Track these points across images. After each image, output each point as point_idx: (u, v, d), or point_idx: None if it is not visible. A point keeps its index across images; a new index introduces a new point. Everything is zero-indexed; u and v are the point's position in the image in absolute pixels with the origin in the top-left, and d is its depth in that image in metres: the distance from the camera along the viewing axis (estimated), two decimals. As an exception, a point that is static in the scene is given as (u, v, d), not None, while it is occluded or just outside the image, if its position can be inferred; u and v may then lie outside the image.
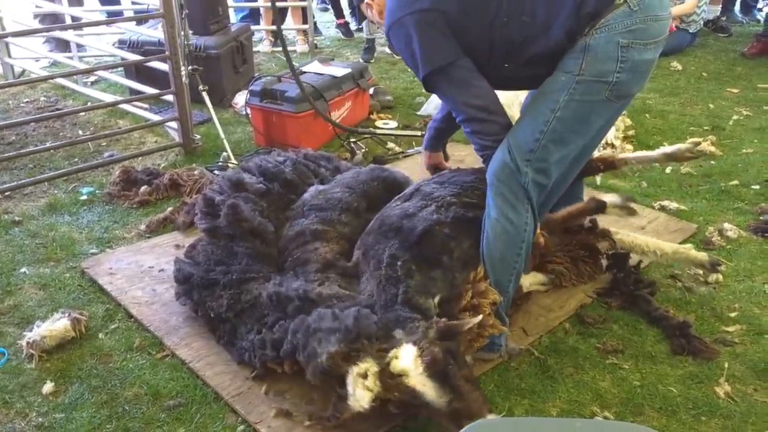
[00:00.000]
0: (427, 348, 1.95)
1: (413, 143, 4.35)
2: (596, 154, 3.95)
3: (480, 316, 2.08)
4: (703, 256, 2.70)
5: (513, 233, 2.20)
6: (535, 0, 2.08)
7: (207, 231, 2.62)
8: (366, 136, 4.40)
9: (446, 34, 2.12)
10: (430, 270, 2.21)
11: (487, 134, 2.21)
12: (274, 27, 6.72)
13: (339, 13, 7.26)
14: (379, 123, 4.70)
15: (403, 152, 4.22)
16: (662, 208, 3.40)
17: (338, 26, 7.20)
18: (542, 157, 2.14)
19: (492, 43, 2.15)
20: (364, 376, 1.95)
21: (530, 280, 2.63)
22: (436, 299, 2.19)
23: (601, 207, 2.62)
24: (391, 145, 4.32)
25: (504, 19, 2.10)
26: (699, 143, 2.63)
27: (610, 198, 2.71)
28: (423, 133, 3.23)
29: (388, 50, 6.41)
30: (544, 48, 2.13)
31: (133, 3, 6.18)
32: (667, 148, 2.70)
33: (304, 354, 2.11)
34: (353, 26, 7.23)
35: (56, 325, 2.49)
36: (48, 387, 2.29)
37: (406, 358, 1.94)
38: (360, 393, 1.94)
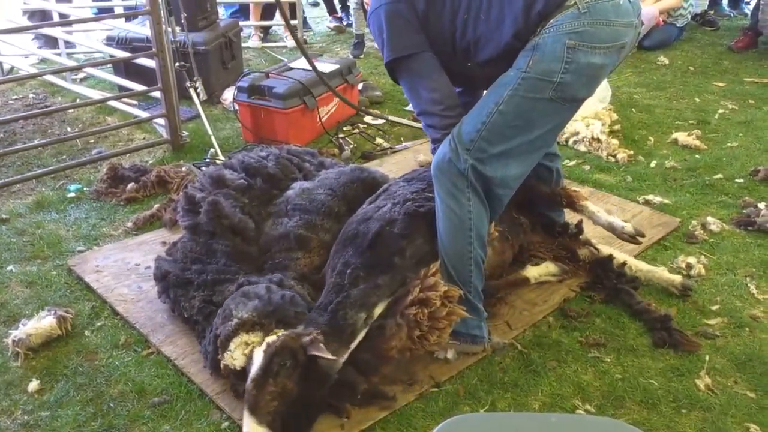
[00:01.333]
0: (284, 335, 2.06)
1: (402, 138, 4.37)
2: (588, 144, 4.01)
3: (341, 358, 2.13)
4: (676, 278, 2.72)
5: (458, 223, 2.23)
6: (491, 1, 2.13)
7: (188, 228, 2.64)
8: (372, 122, 4.41)
9: (415, 26, 2.20)
10: (378, 276, 2.25)
11: (440, 128, 2.25)
12: (263, 23, 6.77)
13: (332, 9, 7.28)
14: (368, 119, 4.71)
15: (391, 147, 4.23)
16: (647, 202, 3.42)
17: (333, 18, 7.25)
18: (481, 147, 2.16)
19: (454, 39, 2.21)
20: (247, 344, 2.10)
21: (540, 271, 2.68)
22: (377, 309, 2.23)
23: None
24: (379, 140, 4.34)
25: (464, 16, 2.15)
26: (642, 237, 2.70)
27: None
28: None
29: (377, 45, 6.40)
30: (497, 49, 2.17)
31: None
32: (615, 220, 2.72)
33: (222, 317, 2.18)
34: (345, 21, 7.24)
35: (42, 323, 2.50)
36: (33, 385, 2.30)
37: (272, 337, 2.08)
38: (238, 354, 2.11)
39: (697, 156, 3.96)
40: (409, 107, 4.86)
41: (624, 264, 2.75)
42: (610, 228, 2.71)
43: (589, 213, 2.75)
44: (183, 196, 2.77)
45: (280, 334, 2.09)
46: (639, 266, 2.77)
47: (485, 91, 2.28)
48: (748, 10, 7.17)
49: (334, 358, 2.07)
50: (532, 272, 2.68)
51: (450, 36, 2.21)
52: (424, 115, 2.31)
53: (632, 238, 2.67)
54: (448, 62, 2.24)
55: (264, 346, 2.05)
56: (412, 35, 2.21)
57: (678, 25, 6.21)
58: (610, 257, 2.76)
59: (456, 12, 2.17)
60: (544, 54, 2.08)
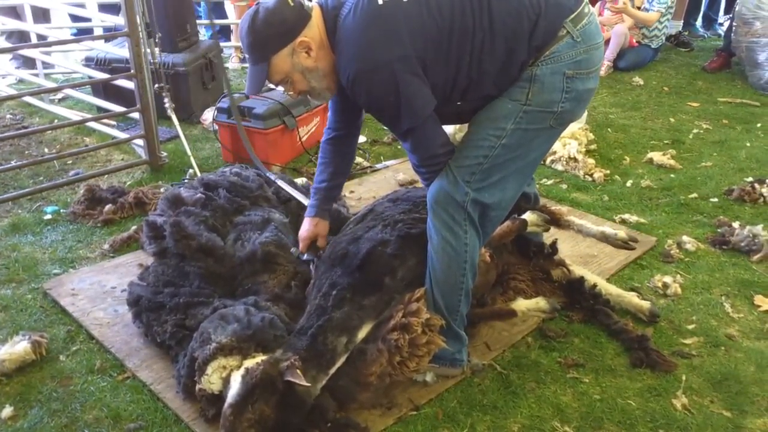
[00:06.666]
0: (264, 362, 2.05)
1: (381, 158, 4.39)
2: (565, 163, 4.04)
3: (319, 384, 2.14)
4: (645, 304, 2.72)
5: (454, 255, 2.21)
6: (495, 38, 2.05)
7: (156, 255, 2.64)
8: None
9: (424, 79, 2.06)
10: (365, 297, 2.25)
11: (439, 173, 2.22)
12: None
13: None
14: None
15: (371, 167, 4.24)
16: (623, 222, 3.46)
17: None
18: (482, 179, 2.16)
19: (455, 82, 2.12)
20: (225, 368, 2.09)
21: (529, 305, 2.59)
22: (360, 332, 2.22)
23: (523, 226, 2.65)
24: (359, 159, 4.35)
25: (468, 58, 2.07)
26: (636, 242, 2.81)
27: (529, 216, 2.71)
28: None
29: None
30: (501, 83, 2.13)
31: (102, 21, 6.16)
32: (606, 229, 2.76)
33: (199, 341, 2.17)
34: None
35: (16, 348, 2.46)
36: (7, 411, 2.26)
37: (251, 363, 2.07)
38: (215, 378, 2.10)
39: (672, 175, 4.02)
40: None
41: (594, 286, 2.75)
42: (603, 237, 2.71)
43: (578, 226, 2.75)
44: (144, 224, 2.79)
45: (259, 359, 2.07)
46: (609, 290, 2.77)
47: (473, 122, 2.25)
48: (721, 31, 7.32)
49: (310, 384, 2.06)
50: (521, 305, 2.59)
51: (451, 79, 2.11)
52: (429, 167, 2.22)
53: (626, 243, 2.67)
54: (439, 105, 2.13)
55: (243, 371, 2.03)
56: (427, 91, 2.07)
57: (653, 46, 6.32)
58: (581, 279, 2.76)
59: (461, 55, 2.07)
60: (543, 85, 2.08)
